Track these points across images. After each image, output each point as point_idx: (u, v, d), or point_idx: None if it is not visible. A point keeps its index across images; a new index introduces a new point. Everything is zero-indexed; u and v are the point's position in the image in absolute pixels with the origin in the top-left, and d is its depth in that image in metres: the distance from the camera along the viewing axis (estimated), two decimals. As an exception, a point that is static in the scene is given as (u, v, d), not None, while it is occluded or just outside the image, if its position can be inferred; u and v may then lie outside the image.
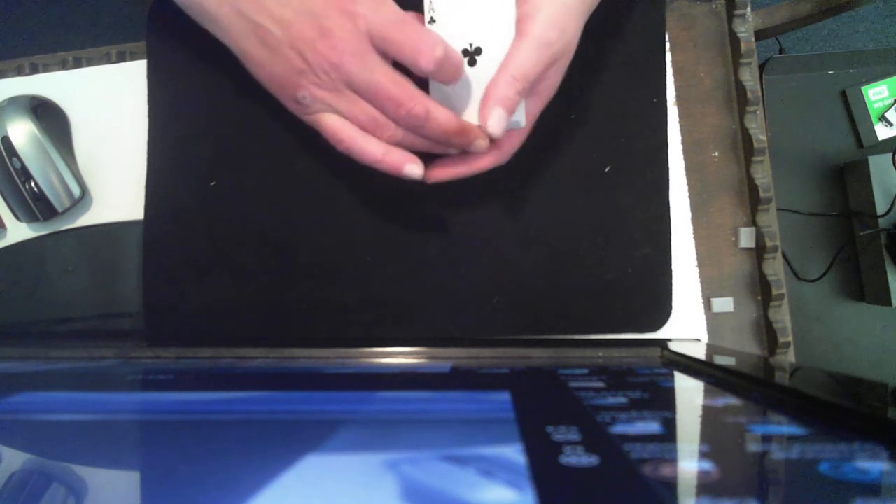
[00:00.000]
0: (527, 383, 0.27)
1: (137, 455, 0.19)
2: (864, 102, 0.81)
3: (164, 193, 0.42)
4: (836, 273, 0.80)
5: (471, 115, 0.34)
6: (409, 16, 0.33)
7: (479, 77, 0.34)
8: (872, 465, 0.14)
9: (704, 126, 0.42)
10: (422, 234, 0.40)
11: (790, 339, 0.40)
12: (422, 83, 0.34)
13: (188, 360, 0.35)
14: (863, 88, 0.81)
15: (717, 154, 0.42)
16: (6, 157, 0.41)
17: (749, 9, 0.42)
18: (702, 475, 0.15)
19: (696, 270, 0.41)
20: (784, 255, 0.70)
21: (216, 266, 0.41)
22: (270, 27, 0.32)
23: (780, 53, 1.05)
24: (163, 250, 0.42)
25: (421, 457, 0.17)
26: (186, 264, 0.41)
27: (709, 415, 0.21)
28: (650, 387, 0.25)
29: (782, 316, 0.40)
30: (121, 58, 0.46)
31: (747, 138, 0.41)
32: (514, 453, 0.16)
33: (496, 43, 0.33)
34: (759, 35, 0.54)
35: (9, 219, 0.44)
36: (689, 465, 0.15)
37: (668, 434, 0.18)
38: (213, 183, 0.41)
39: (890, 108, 0.81)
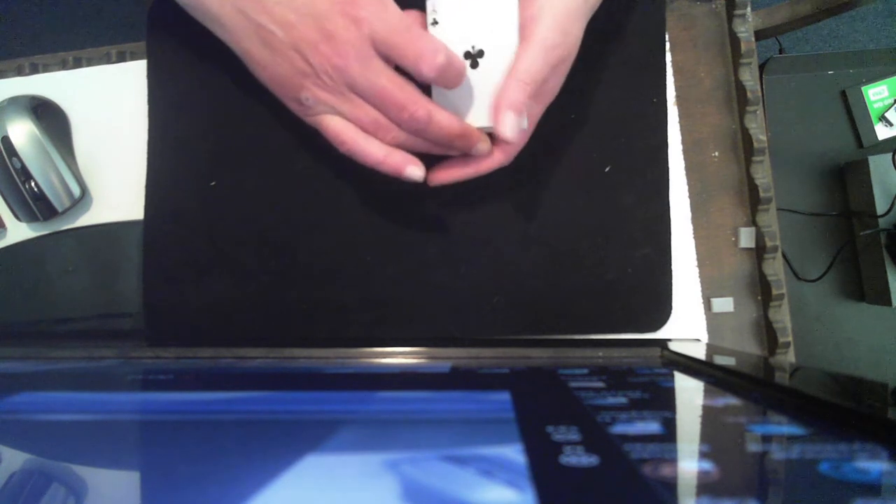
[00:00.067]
0: (527, 383, 0.27)
1: (137, 455, 0.19)
2: (864, 102, 0.81)
3: (164, 193, 0.42)
4: (836, 273, 0.80)
5: (473, 117, 0.34)
6: (412, 21, 0.33)
7: (481, 79, 0.34)
8: (872, 465, 0.14)
9: (704, 126, 0.42)
10: (422, 234, 0.40)
11: (790, 339, 0.40)
12: (424, 84, 0.34)
13: (188, 360, 0.35)
14: (863, 88, 0.81)
15: (717, 154, 0.42)
16: (6, 157, 0.41)
17: (749, 9, 0.42)
18: (702, 475, 0.15)
19: (696, 270, 0.41)
20: (784, 255, 0.70)
21: (216, 266, 0.41)
22: (273, 28, 0.32)
23: (780, 53, 1.05)
24: (163, 250, 0.42)
25: (421, 457, 0.17)
26: (186, 264, 0.41)
27: (709, 415, 0.21)
28: (650, 387, 0.25)
29: (782, 316, 0.40)
30: (121, 58, 0.46)
31: (747, 138, 0.41)
32: (514, 453, 0.16)
33: (499, 46, 0.33)
34: (759, 35, 0.54)
35: (9, 219, 0.44)
36: (689, 465, 0.15)
37: (668, 434, 0.18)
38: (213, 183, 0.41)
39: (890, 108, 0.81)
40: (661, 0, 0.40)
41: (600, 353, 0.35)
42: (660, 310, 0.39)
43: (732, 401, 0.22)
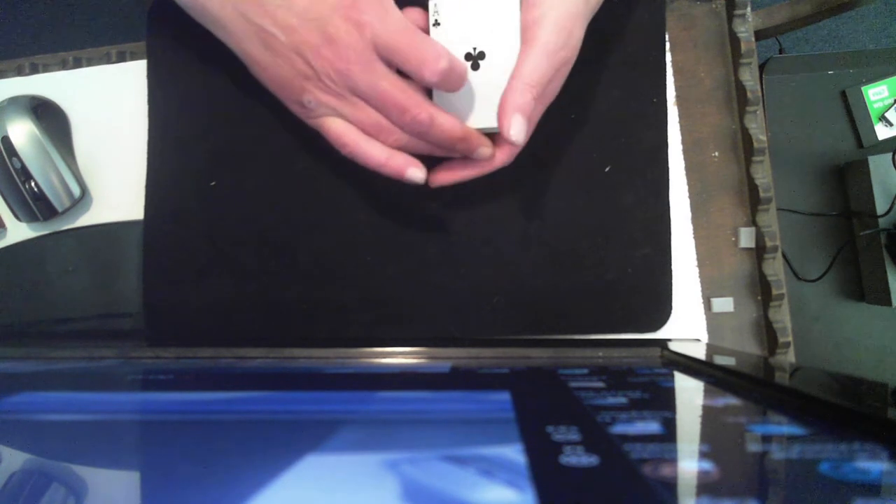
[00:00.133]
0: (527, 383, 0.27)
1: (137, 455, 0.19)
2: (864, 102, 0.81)
3: (164, 193, 0.42)
4: (836, 273, 0.80)
5: (475, 119, 0.34)
6: (414, 24, 0.33)
7: (482, 81, 0.34)
8: (872, 465, 0.14)
9: (704, 126, 0.42)
10: (422, 234, 0.40)
11: (790, 339, 0.40)
12: (424, 87, 0.34)
13: (188, 360, 0.35)
14: (863, 88, 0.81)
15: (717, 154, 0.42)
16: (6, 157, 0.41)
17: (749, 9, 0.42)
18: (702, 475, 0.15)
19: (696, 270, 0.41)
20: (784, 255, 0.70)
21: (216, 266, 0.41)
22: (274, 31, 0.32)
23: (780, 53, 1.05)
24: (163, 250, 0.42)
25: (421, 457, 0.17)
26: (186, 264, 0.41)
27: (709, 415, 0.21)
28: (650, 387, 0.25)
29: (782, 316, 0.40)
30: (121, 58, 0.46)
31: (747, 138, 0.41)
32: (514, 453, 0.16)
33: (500, 48, 0.33)
34: (759, 35, 0.54)
35: (9, 219, 0.44)
36: (689, 465, 0.15)
37: (668, 434, 0.18)
38: (213, 183, 0.41)
39: (890, 108, 0.81)
40: (661, 0, 0.40)
41: (600, 353, 0.35)
42: (660, 310, 0.39)
43: (732, 401, 0.22)
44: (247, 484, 0.14)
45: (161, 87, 0.42)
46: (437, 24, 0.34)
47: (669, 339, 0.38)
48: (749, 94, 0.41)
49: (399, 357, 0.36)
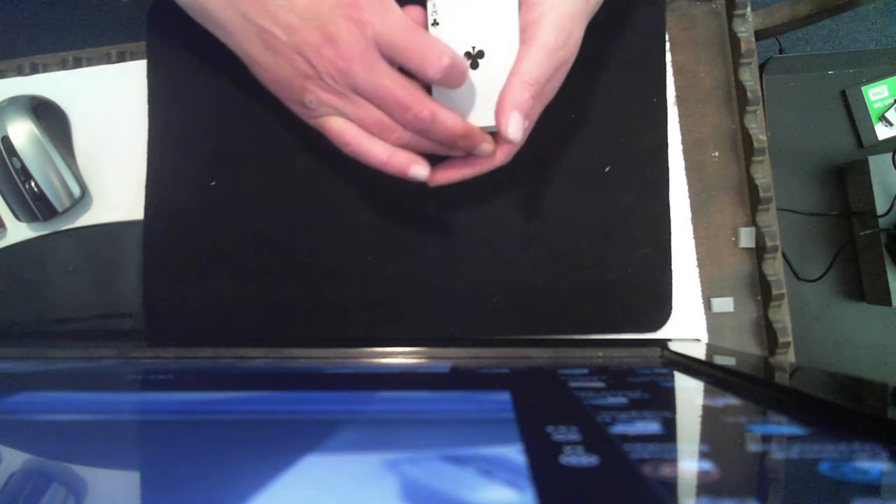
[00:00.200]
0: (527, 383, 0.27)
1: (137, 455, 0.19)
2: (864, 102, 0.81)
3: (164, 193, 0.42)
4: (836, 273, 0.80)
5: (474, 118, 0.34)
6: (415, 22, 0.33)
7: (481, 80, 0.34)
8: (872, 465, 0.14)
9: (704, 126, 0.42)
10: (422, 235, 0.40)
11: (790, 339, 0.40)
12: (424, 84, 0.34)
13: (188, 360, 0.35)
14: (863, 88, 0.81)
15: (717, 154, 0.42)
16: (6, 157, 0.41)
17: (749, 9, 0.42)
18: (702, 475, 0.15)
19: (696, 270, 0.41)
20: (784, 255, 0.70)
21: (216, 266, 0.41)
22: (276, 32, 0.32)
23: (780, 53, 1.05)
24: (163, 250, 0.42)
25: (421, 457, 0.17)
26: (186, 264, 0.41)
27: (709, 415, 0.21)
28: (650, 387, 0.25)
29: (782, 316, 0.40)
30: (121, 58, 0.46)
31: (747, 138, 0.41)
32: (514, 453, 0.16)
33: (499, 46, 0.33)
34: (759, 35, 0.54)
35: (9, 219, 0.44)
36: (689, 465, 0.15)
37: (668, 434, 0.18)
38: (213, 183, 0.41)
39: (890, 108, 0.81)
40: (661, 0, 0.40)
41: (600, 353, 0.35)
42: (660, 310, 0.39)
43: (732, 401, 0.22)
44: (247, 484, 0.14)
45: (161, 87, 0.42)
46: (435, 23, 0.34)
47: (669, 339, 0.38)
48: (749, 94, 0.41)
49: (399, 357, 0.36)
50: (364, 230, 0.41)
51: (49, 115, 0.43)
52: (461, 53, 0.34)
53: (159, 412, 0.23)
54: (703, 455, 0.16)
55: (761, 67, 0.82)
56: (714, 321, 0.41)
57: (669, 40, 0.42)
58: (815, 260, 0.81)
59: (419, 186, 0.36)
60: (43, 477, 0.16)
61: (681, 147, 0.41)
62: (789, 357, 0.40)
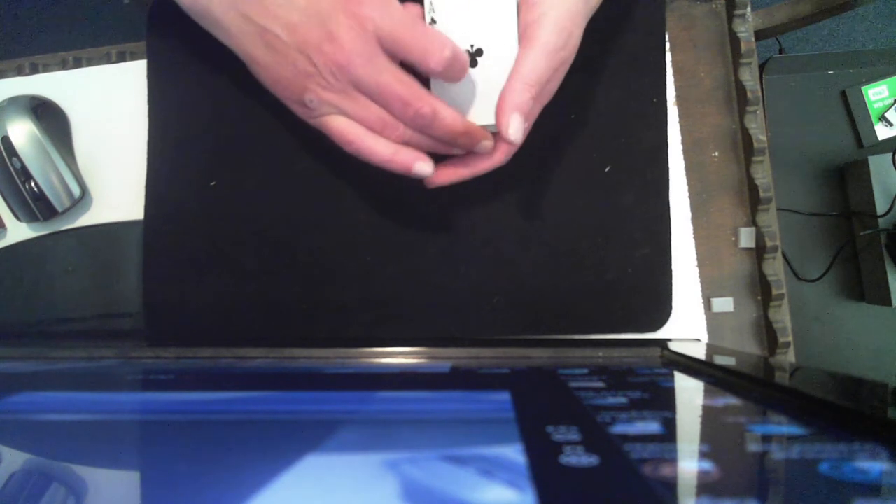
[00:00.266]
0: (527, 383, 0.27)
1: (137, 455, 0.19)
2: (864, 102, 0.81)
3: (164, 193, 0.42)
4: (836, 273, 0.80)
5: (473, 115, 0.34)
6: (416, 16, 0.33)
7: (480, 78, 0.34)
8: (872, 465, 0.14)
9: (704, 126, 0.42)
10: (422, 234, 0.40)
11: (790, 339, 0.40)
12: (423, 84, 0.34)
13: (188, 360, 0.35)
14: (863, 88, 0.81)
15: (717, 154, 0.42)
16: (6, 157, 0.41)
17: (749, 9, 0.42)
18: (702, 475, 0.15)
19: (696, 270, 0.41)
20: (784, 255, 0.70)
21: (216, 266, 0.41)
22: (277, 31, 0.32)
23: (780, 53, 1.05)
24: (163, 250, 0.42)
25: (421, 457, 0.17)
26: (186, 264, 0.41)
27: (709, 415, 0.21)
28: (650, 387, 0.25)
29: (782, 316, 0.40)
30: (121, 58, 0.46)
31: (747, 138, 0.41)
32: (514, 453, 0.16)
33: (497, 45, 0.33)
34: (759, 35, 0.54)
35: (9, 219, 0.44)
36: (689, 465, 0.15)
37: (668, 434, 0.18)
38: (213, 183, 0.41)
39: (890, 108, 0.81)
40: (661, 0, 0.40)
41: (600, 353, 0.35)
42: (660, 310, 0.39)
43: (732, 401, 0.22)
44: (247, 484, 0.14)
45: (161, 87, 0.42)
46: (433, 21, 0.34)
47: (669, 339, 0.38)
48: (749, 94, 0.41)
49: (399, 357, 0.36)
50: (364, 230, 0.41)
51: (49, 115, 0.43)
52: None
53: (159, 412, 0.23)
54: (703, 455, 0.16)
55: (761, 67, 0.82)
56: (714, 321, 0.41)
57: (669, 40, 0.42)
58: (815, 260, 0.81)
59: (419, 186, 0.36)
60: (43, 477, 0.16)
61: (681, 147, 0.41)
62: (789, 357, 0.40)
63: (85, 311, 0.43)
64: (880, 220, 0.76)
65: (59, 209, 0.43)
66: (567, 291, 0.40)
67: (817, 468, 0.14)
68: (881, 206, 0.76)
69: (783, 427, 0.18)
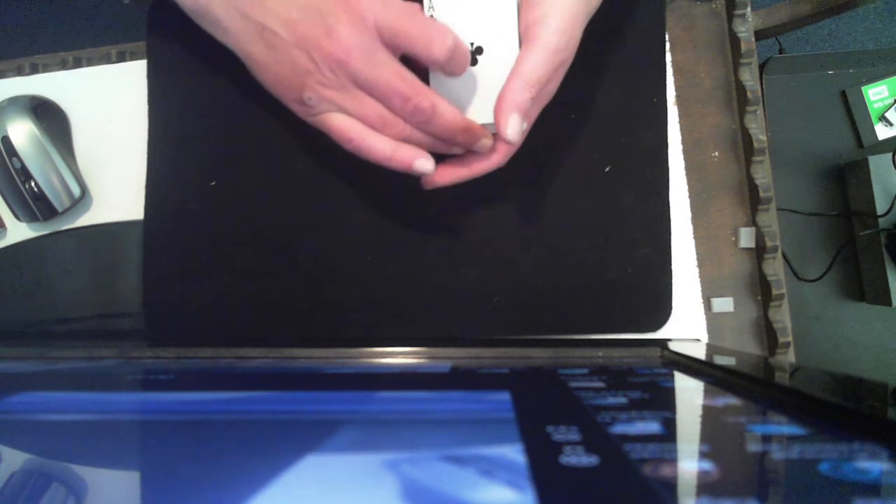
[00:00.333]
0: (527, 383, 0.27)
1: (138, 455, 0.19)
2: (864, 102, 0.81)
3: (164, 193, 0.42)
4: (836, 273, 0.80)
5: (473, 113, 0.34)
6: (416, 8, 0.32)
7: (480, 76, 0.34)
8: (872, 465, 0.14)
9: (704, 126, 0.42)
10: (422, 234, 0.40)
11: (790, 339, 0.40)
12: (423, 82, 0.33)
13: (188, 360, 0.35)
14: (863, 88, 0.81)
15: (717, 154, 0.42)
16: (6, 157, 0.41)
17: (749, 9, 0.42)
18: (702, 475, 0.15)
19: (696, 270, 0.41)
20: (784, 255, 0.70)
21: (216, 266, 0.41)
22: (276, 28, 0.32)
23: (780, 53, 1.05)
24: (163, 250, 0.42)
25: (421, 457, 0.17)
26: (186, 264, 0.41)
27: (709, 415, 0.21)
28: (650, 387, 0.25)
29: (782, 316, 0.40)
30: (121, 58, 0.46)
31: (747, 138, 0.41)
32: (514, 453, 0.16)
33: (498, 43, 0.33)
34: (759, 35, 0.54)
35: (9, 219, 0.44)
36: (689, 465, 0.15)
37: (668, 434, 0.18)
38: (213, 183, 0.41)
39: (890, 108, 0.81)
40: (661, 0, 0.40)
41: (600, 353, 0.35)
42: (660, 310, 0.39)
43: (732, 401, 0.22)
44: (247, 484, 0.14)
45: (161, 87, 0.42)
46: (432, 19, 0.34)
47: (669, 339, 0.38)
48: (749, 94, 0.41)
49: (399, 357, 0.36)
50: (364, 230, 0.41)
51: (49, 115, 0.43)
52: None
53: (159, 412, 0.23)
54: (703, 455, 0.16)
55: (761, 67, 0.82)
56: (714, 321, 0.41)
57: (669, 40, 0.42)
58: (815, 260, 0.81)
59: (420, 186, 0.36)
60: (43, 477, 0.16)
61: (681, 147, 0.41)
62: (789, 357, 0.40)
63: (85, 311, 0.43)
64: (880, 220, 0.76)
65: (59, 209, 0.43)
66: (567, 291, 0.40)
67: (817, 468, 0.14)
68: (881, 206, 0.76)
69: (783, 427, 0.18)
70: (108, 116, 0.45)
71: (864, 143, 0.82)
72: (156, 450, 0.19)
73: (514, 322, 0.40)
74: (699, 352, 0.32)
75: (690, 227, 0.41)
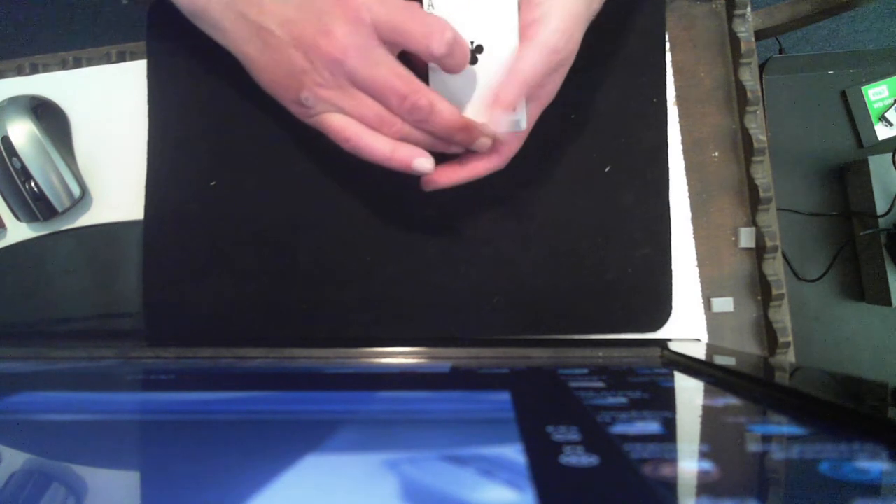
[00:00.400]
0: (527, 383, 0.27)
1: (138, 455, 0.19)
2: (864, 102, 0.81)
3: (164, 193, 0.42)
4: (836, 273, 0.80)
5: (471, 112, 0.34)
6: (414, 4, 0.32)
7: (480, 74, 0.34)
8: (872, 465, 0.14)
9: (704, 126, 0.42)
10: (422, 234, 0.40)
11: (790, 339, 0.40)
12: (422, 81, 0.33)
13: (188, 360, 0.35)
14: (863, 88, 0.81)
15: (717, 154, 0.42)
16: (6, 157, 0.41)
17: (749, 9, 0.42)
18: (702, 475, 0.15)
19: (696, 270, 0.41)
20: (784, 255, 0.70)
21: (216, 266, 0.41)
22: (273, 28, 0.32)
23: (780, 53, 1.05)
24: (163, 250, 0.42)
25: (421, 457, 0.17)
26: (186, 264, 0.41)
27: (709, 415, 0.21)
28: (650, 387, 0.25)
29: (782, 316, 0.40)
30: (121, 58, 0.46)
31: (747, 138, 0.41)
32: (514, 453, 0.16)
33: (497, 41, 0.33)
34: (759, 35, 0.54)
35: (9, 219, 0.44)
36: (689, 465, 0.15)
37: (668, 434, 0.18)
38: (213, 183, 0.41)
39: (890, 108, 0.81)
40: (661, 0, 0.40)
41: (600, 353, 0.35)
42: (660, 310, 0.39)
43: (732, 401, 0.22)
44: (246, 484, 0.14)
45: (161, 87, 0.42)
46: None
47: (669, 339, 0.38)
48: (749, 94, 0.41)
49: (399, 357, 0.36)
50: (364, 230, 0.41)
51: (49, 115, 0.43)
52: None
53: (159, 412, 0.23)
54: (703, 455, 0.16)
55: (761, 67, 0.82)
56: (714, 321, 0.41)
57: (669, 40, 0.42)
58: (815, 260, 0.81)
59: (419, 186, 0.36)
60: (43, 477, 0.16)
61: (681, 147, 0.41)
62: (789, 357, 0.40)
63: (85, 311, 0.43)
64: (880, 220, 0.76)
65: (59, 209, 0.43)
66: (567, 291, 0.40)
67: (817, 468, 0.14)
68: (881, 206, 0.76)
69: (783, 427, 0.18)
70: (108, 116, 0.45)
71: (864, 143, 0.82)
72: (156, 450, 0.19)
73: (514, 322, 0.40)
74: (699, 352, 0.32)
75: (690, 227, 0.41)
